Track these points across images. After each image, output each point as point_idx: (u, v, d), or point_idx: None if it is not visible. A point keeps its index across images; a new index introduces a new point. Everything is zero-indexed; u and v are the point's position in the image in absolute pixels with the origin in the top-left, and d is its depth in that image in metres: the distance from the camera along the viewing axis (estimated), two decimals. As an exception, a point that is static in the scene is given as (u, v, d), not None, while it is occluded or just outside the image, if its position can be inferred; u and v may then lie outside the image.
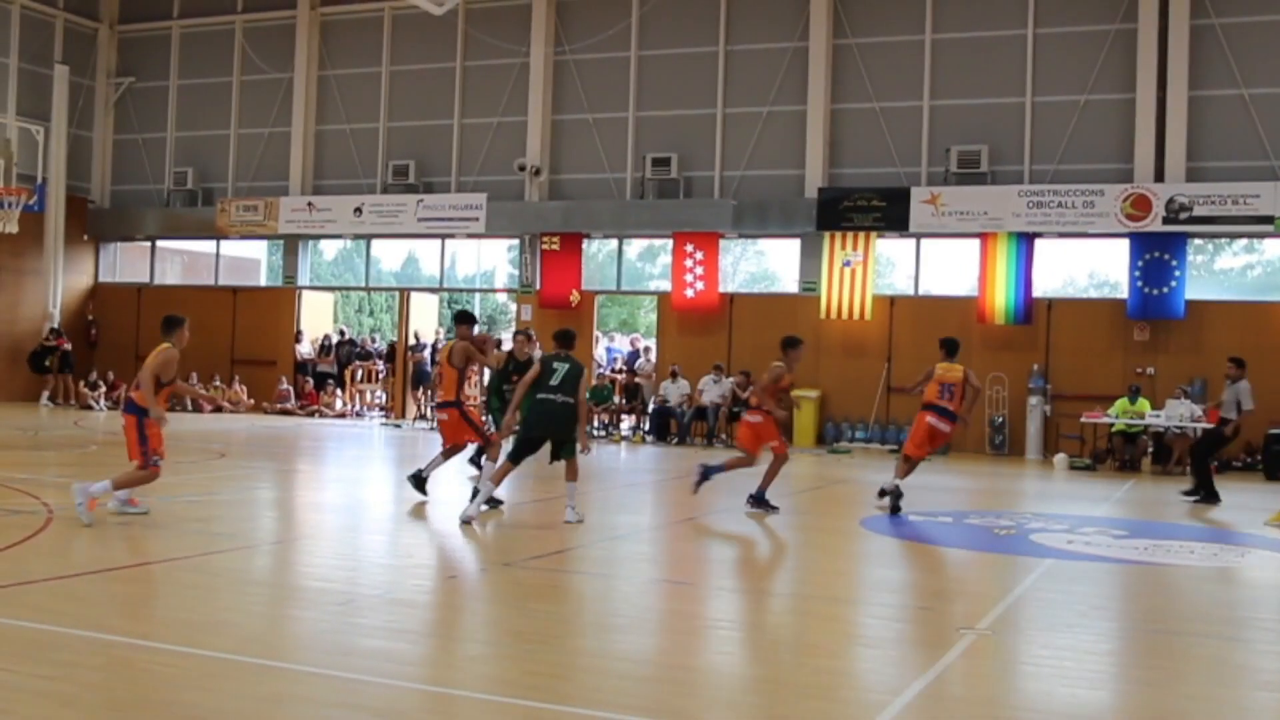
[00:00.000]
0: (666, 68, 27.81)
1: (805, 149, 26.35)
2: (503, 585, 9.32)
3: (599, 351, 29.00)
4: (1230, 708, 6.42)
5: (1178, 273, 23.56)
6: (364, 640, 7.10)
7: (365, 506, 14.34)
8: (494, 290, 35.36)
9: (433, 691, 6.10)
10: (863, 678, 6.88)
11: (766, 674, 6.90)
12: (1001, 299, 24.56)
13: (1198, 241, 24.34)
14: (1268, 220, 22.94)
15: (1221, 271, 25.26)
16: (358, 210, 29.47)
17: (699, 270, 26.73)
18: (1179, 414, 21.58)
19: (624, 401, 27.04)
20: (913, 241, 25.98)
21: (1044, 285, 25.02)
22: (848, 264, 25.56)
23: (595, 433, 26.32)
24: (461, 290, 35.49)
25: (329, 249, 34.61)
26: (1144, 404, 22.38)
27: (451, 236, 29.57)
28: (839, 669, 6.98)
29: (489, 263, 32.17)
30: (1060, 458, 22.50)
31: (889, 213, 25.16)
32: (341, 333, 32.44)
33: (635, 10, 27.98)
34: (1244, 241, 24.71)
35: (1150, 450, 22.41)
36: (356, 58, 30.73)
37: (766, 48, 26.93)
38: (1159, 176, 23.88)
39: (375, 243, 31.72)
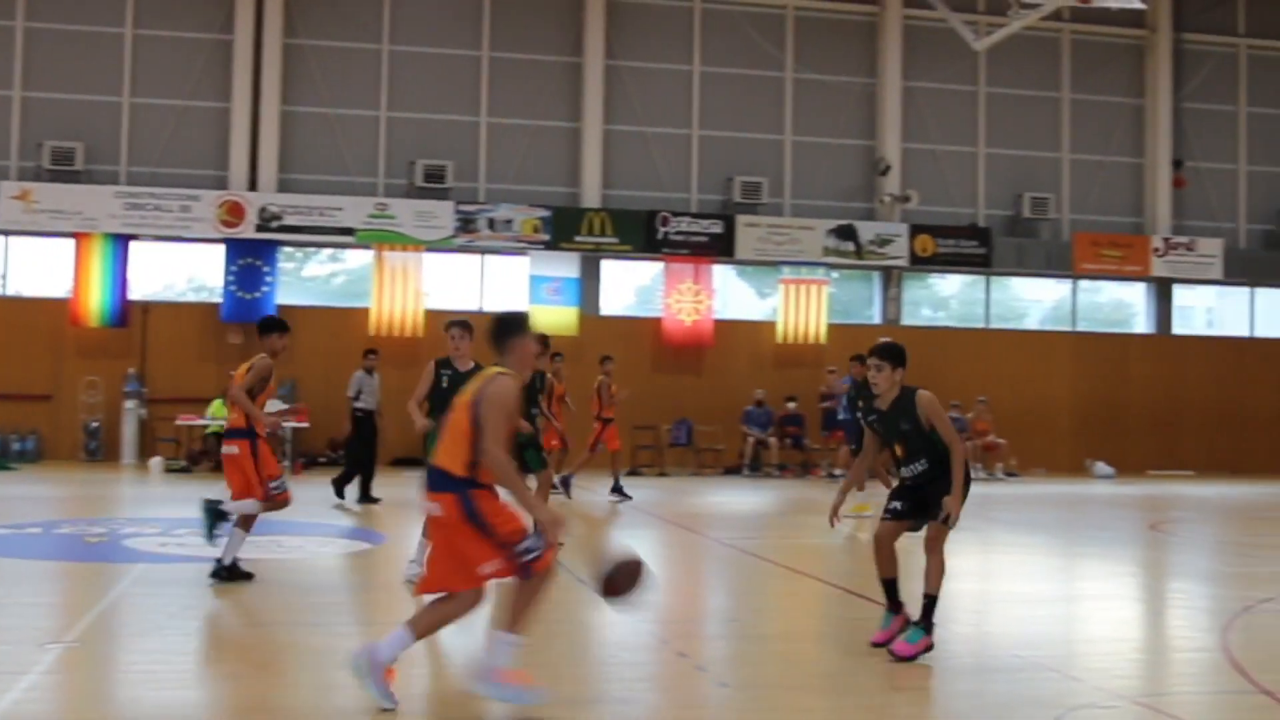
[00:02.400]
0: None
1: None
2: None
3: None
4: (312, 689, 6.99)
5: (270, 278, 24.64)
6: None
7: None
8: None
9: None
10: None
11: None
12: (96, 301, 24.06)
13: (288, 249, 25.59)
14: (349, 232, 24.81)
15: (310, 278, 26.77)
16: None
17: None
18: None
19: None
20: (1, 239, 24.61)
21: (142, 288, 24.89)
22: (-76, 260, 23.62)
23: None
24: None
25: None
26: (239, 405, 23.10)
27: None
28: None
29: None
30: (156, 461, 22.48)
31: (-27, 207, 23.64)
32: None
33: None
34: (329, 250, 26.38)
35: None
36: None
37: None
38: (253, 185, 24.81)
39: None
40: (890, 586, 8.04)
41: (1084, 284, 29.08)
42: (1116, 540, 15.53)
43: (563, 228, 25.67)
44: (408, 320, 24.95)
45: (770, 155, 27.44)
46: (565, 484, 17.60)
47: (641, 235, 26.07)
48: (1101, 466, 26.59)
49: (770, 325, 26.93)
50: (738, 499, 20.15)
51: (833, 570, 12.21)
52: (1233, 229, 29.48)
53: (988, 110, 28.43)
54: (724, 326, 26.66)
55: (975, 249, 27.55)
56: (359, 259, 26.06)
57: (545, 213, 25.62)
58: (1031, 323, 29.46)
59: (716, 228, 26.40)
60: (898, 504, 8.00)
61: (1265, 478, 26.59)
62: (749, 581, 11.75)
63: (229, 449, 10.16)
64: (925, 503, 7.83)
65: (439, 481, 6.38)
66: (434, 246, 25.23)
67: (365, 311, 25.01)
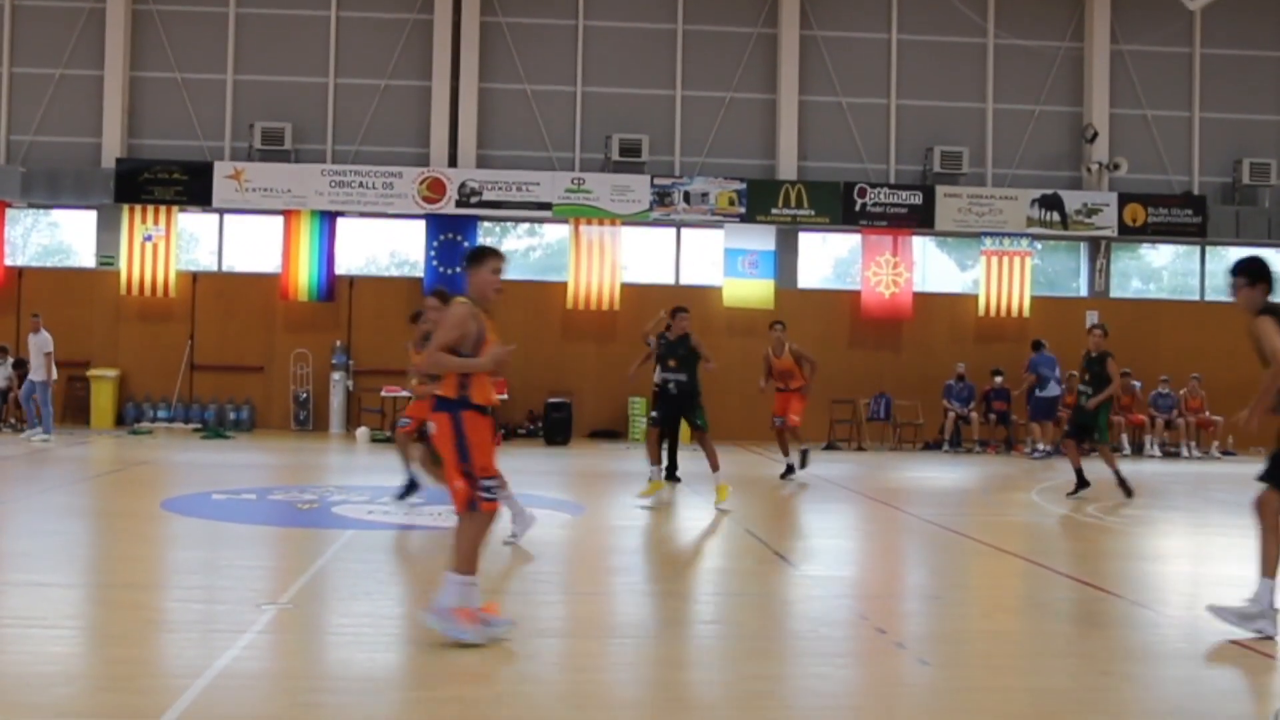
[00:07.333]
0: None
1: (102, 117, 25.10)
2: None
3: None
4: (512, 655, 7.05)
5: (470, 253, 25.06)
6: None
7: None
8: None
9: None
10: (162, 664, 6.84)
11: (60, 670, 6.65)
12: (305, 276, 24.89)
13: (487, 224, 26.01)
14: (546, 206, 25.06)
15: (508, 252, 27.06)
16: None
17: (-18, 241, 24.70)
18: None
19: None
20: (215, 216, 25.63)
21: (347, 263, 25.64)
22: (149, 238, 24.73)
23: None
24: None
25: None
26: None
27: None
28: (137, 658, 6.87)
29: None
30: (362, 431, 23.21)
31: (191, 186, 24.66)
32: None
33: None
34: (527, 225, 26.71)
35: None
36: None
37: (62, 6, 25.31)
38: (453, 161, 25.29)
39: None
40: None
41: (1308, 253, 27.61)
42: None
43: (758, 200, 25.50)
44: (604, 294, 25.14)
45: (971, 124, 26.74)
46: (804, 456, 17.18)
47: (839, 207, 25.72)
48: (1325, 446, 25.22)
49: (972, 298, 26.30)
50: (938, 474, 19.75)
51: (1038, 549, 11.84)
52: None
53: (1203, 72, 27.14)
54: (923, 299, 26.13)
55: (1189, 218, 26.38)
56: (556, 233, 26.36)
57: (741, 185, 25.48)
58: (1249, 294, 28.03)
59: (915, 199, 25.87)
60: None
61: None
62: (950, 558, 11.47)
63: None
64: None
65: (437, 404, 7.13)
66: (630, 220, 25.33)
67: (563, 285, 25.30)
